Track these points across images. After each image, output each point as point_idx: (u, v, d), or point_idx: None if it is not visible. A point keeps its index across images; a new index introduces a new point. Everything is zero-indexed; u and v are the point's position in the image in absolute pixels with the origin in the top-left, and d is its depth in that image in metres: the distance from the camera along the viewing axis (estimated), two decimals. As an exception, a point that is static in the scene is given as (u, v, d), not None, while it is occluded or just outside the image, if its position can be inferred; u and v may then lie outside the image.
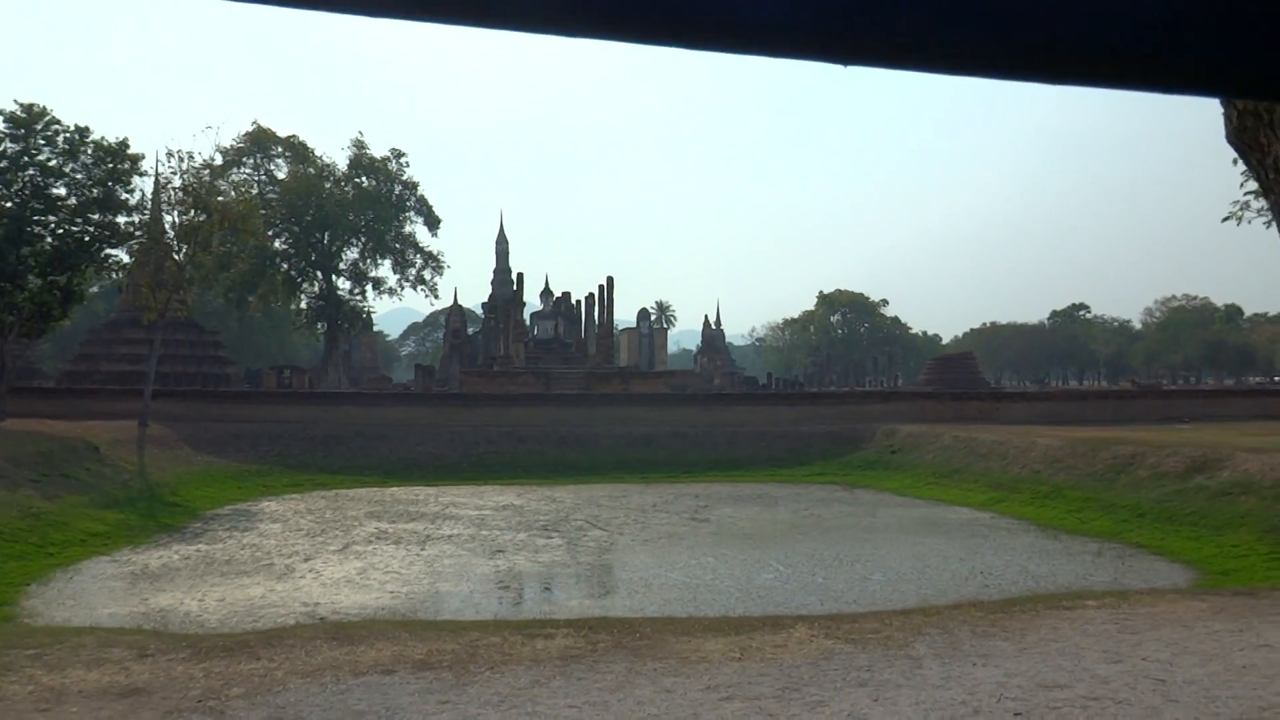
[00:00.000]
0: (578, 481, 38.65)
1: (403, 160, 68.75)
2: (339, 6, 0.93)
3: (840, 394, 56.63)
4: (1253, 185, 20.46)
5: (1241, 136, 3.66)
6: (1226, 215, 21.06)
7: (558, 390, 51.14)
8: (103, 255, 39.05)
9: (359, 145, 67.77)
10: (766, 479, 39.55)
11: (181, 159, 39.07)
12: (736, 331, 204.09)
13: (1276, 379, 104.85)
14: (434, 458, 41.89)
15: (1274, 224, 3.68)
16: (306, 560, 22.85)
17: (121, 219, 39.25)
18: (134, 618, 17.48)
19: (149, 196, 41.22)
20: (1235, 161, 21.26)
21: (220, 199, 43.86)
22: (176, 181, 39.10)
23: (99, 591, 19.70)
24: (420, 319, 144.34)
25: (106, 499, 28.67)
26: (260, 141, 66.64)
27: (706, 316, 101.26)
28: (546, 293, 69.14)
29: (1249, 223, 20.78)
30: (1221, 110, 3.74)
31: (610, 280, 62.06)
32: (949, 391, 53.98)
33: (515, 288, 62.70)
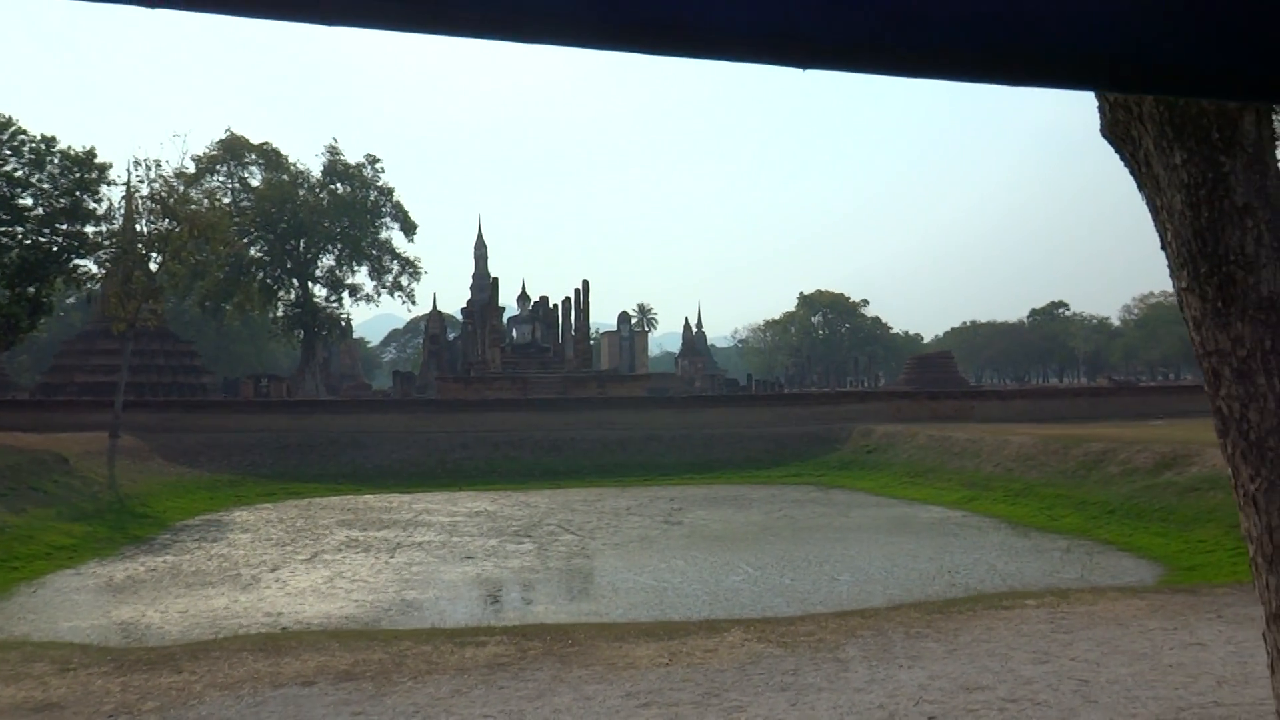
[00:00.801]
0: (553, 486, 38.54)
1: (378, 166, 68.64)
2: (344, 19, 0.93)
3: (816, 394, 56.71)
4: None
5: (1114, 130, 3.61)
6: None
7: (534, 395, 51.04)
8: (71, 266, 38.76)
9: (333, 152, 67.60)
10: (742, 481, 39.52)
11: (149, 167, 38.79)
12: (720, 334, 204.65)
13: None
14: (409, 465, 41.72)
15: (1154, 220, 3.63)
16: (273, 570, 22.68)
17: (90, 229, 39.02)
18: (95, 631, 17.31)
19: (118, 206, 40.95)
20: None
21: (191, 207, 43.61)
22: (145, 190, 38.85)
23: (61, 605, 19.50)
24: (401, 325, 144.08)
25: (75, 511, 28.43)
26: (233, 149, 66.36)
27: (687, 319, 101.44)
28: (523, 297, 69.05)
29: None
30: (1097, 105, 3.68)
31: (586, 284, 62.02)
32: (925, 391, 54.08)
33: (491, 293, 62.57)
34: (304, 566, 23.08)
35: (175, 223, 39.07)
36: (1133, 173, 3.59)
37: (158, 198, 39.04)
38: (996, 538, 25.45)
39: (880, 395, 54.05)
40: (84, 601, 19.96)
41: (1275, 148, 3.41)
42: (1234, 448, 3.46)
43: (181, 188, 41.15)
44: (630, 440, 44.72)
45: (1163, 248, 3.54)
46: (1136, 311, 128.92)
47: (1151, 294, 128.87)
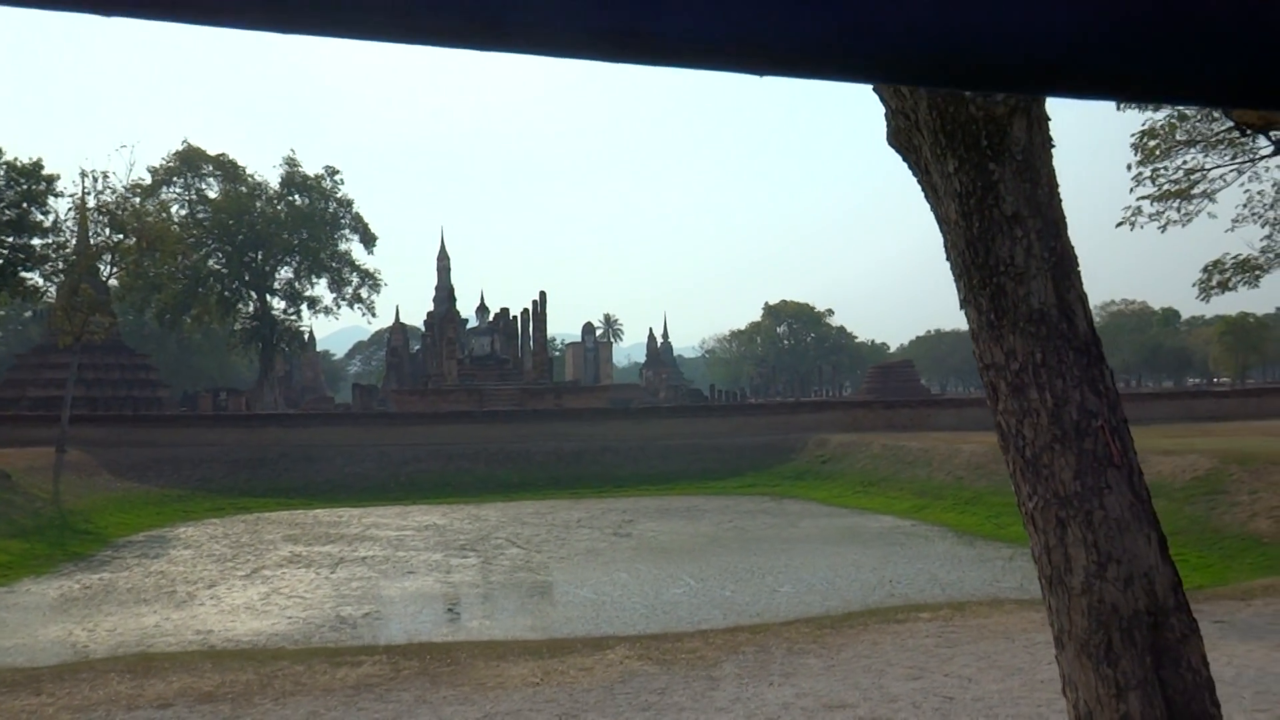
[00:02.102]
0: (506, 499, 38.31)
1: (337, 178, 68.09)
2: (324, 30, 0.93)
3: (774, 405, 56.70)
4: (1144, 190, 20.63)
5: (897, 139, 3.53)
6: (1119, 221, 21.17)
7: (490, 407, 50.75)
8: (18, 279, 38.21)
9: (291, 163, 67.06)
10: (697, 492, 39.42)
11: (97, 179, 38.30)
12: (688, 344, 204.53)
13: (1215, 380, 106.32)
14: (361, 478, 41.36)
15: (931, 220, 3.54)
16: (210, 587, 22.37)
17: (38, 241, 38.50)
18: (19, 650, 16.99)
19: (65, 218, 40.41)
20: (1129, 166, 21.49)
21: (148, 219, 43.16)
22: (92, 202, 38.34)
23: (-14, 625, 19.13)
24: (367, 338, 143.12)
25: (13, 528, 27.97)
26: (190, 161, 65.73)
27: (651, 330, 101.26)
28: (482, 309, 68.66)
29: (1141, 227, 20.93)
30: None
31: (543, 295, 61.75)
32: (880, 400, 54.17)
33: (449, 304, 62.17)
34: (242, 583, 22.78)
35: (123, 234, 38.56)
36: (917, 178, 3.51)
37: (105, 209, 38.55)
38: (942, 547, 25.46)
39: (837, 405, 54.10)
40: (12, 620, 19.59)
41: (1049, 155, 3.33)
42: (1013, 464, 3.37)
43: (130, 199, 40.57)
44: (586, 452, 44.54)
45: (947, 258, 3.46)
46: (1099, 318, 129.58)
47: (1113, 301, 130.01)
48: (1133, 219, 20.91)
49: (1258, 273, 21.92)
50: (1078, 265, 3.33)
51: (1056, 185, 3.33)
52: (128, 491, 37.03)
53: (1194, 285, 23.15)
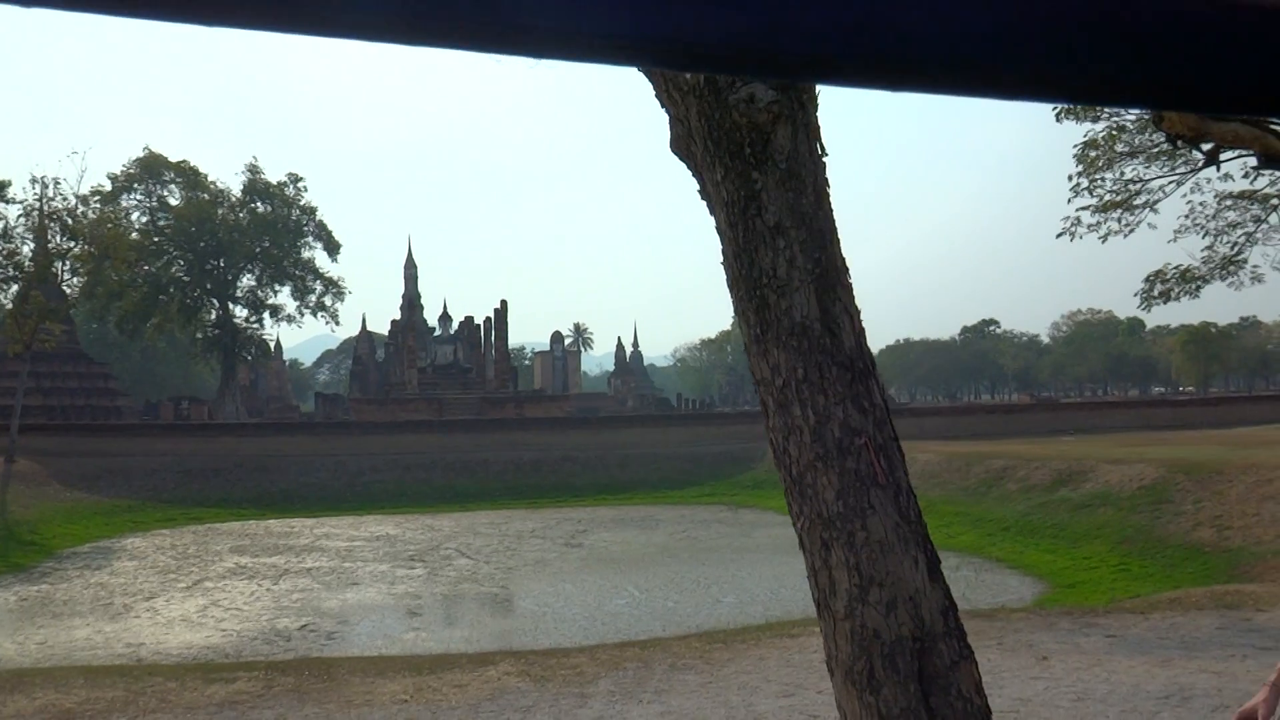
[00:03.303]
0: (463, 509, 38.05)
1: (300, 185, 67.66)
2: (313, 30, 0.81)
3: (734, 414, 56.63)
4: (1082, 201, 20.69)
5: (677, 146, 3.42)
6: (1059, 231, 21.24)
7: (451, 416, 50.46)
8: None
9: (253, 170, 66.60)
10: (654, 501, 39.28)
11: (48, 185, 37.83)
12: (661, 353, 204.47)
13: (1180, 389, 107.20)
14: (316, 488, 41.01)
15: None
16: (149, 599, 22.08)
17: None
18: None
19: (15, 224, 39.88)
20: (1070, 177, 21.54)
21: (107, 226, 42.71)
22: (43, 208, 37.86)
23: (-87, 639, 18.78)
24: (336, 347, 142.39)
25: (-46, 540, 27.57)
26: (151, 168, 65.13)
27: (620, 339, 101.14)
28: (445, 317, 68.38)
29: (1081, 238, 20.98)
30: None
31: (504, 304, 61.60)
32: (841, 409, 54.08)
33: (414, 313, 61.86)
34: (181, 595, 22.50)
35: (75, 241, 38.14)
36: (699, 190, 3.40)
37: (56, 215, 38.10)
38: (891, 556, 25.41)
39: (797, 414, 53.97)
40: (-59, 634, 19.25)
41: (819, 164, 3.22)
42: (784, 483, 3.26)
43: (79, 206, 40.09)
44: (545, 461, 44.35)
45: (724, 267, 3.35)
46: (1065, 328, 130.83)
47: (1079, 311, 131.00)
48: (1072, 229, 20.98)
49: (1198, 283, 22.04)
50: (847, 277, 3.22)
51: (826, 195, 3.22)
52: (77, 502, 36.57)
53: (1135, 295, 23.24)
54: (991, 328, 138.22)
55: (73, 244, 38.61)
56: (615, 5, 0.91)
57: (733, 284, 3.23)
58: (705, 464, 44.01)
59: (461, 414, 51.72)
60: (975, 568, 23.29)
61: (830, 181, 3.27)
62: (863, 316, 3.27)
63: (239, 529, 34.13)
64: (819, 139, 3.22)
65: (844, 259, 3.22)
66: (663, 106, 3.39)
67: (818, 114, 3.23)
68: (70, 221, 38.28)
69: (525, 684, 7.61)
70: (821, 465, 3.06)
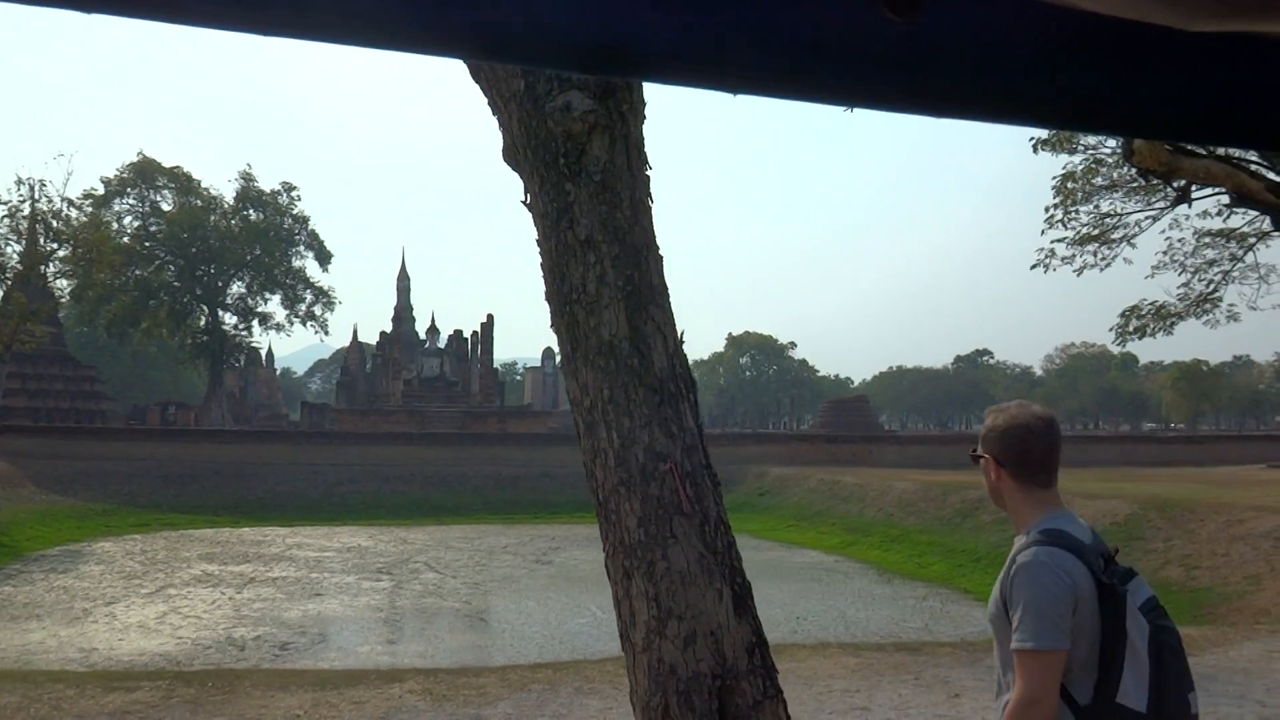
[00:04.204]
0: (438, 522, 37.84)
1: (294, 194, 67.74)
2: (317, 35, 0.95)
3: (716, 435, 56.40)
4: (1056, 234, 20.63)
5: (506, 156, 3.33)
6: (1034, 263, 21.16)
7: (432, 429, 50.28)
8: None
9: (247, 178, 66.66)
10: (632, 521, 39.05)
11: (33, 187, 37.71)
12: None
13: (1171, 426, 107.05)
14: (293, 497, 40.77)
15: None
16: (109, 604, 21.87)
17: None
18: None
19: None
20: (1047, 209, 21.47)
21: (94, 230, 42.61)
22: (27, 210, 37.77)
23: None
24: (328, 356, 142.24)
25: (-79, 539, 27.37)
26: (144, 172, 65.10)
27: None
28: (433, 330, 68.26)
29: (1055, 270, 20.91)
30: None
31: (490, 318, 61.48)
32: (823, 434, 54.07)
33: (406, 325, 61.71)
34: (143, 601, 22.29)
35: (59, 244, 38.03)
36: (526, 201, 3.30)
37: (41, 218, 37.97)
38: (860, 584, 25.27)
39: (779, 437, 54.00)
40: (-108, 634, 19.04)
41: (638, 177, 3.11)
42: (596, 509, 3.15)
43: (65, 209, 39.93)
44: (524, 477, 44.14)
45: (544, 280, 3.24)
46: (1059, 361, 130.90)
47: (1073, 344, 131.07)
48: (1046, 260, 20.92)
49: (1173, 320, 21.96)
50: (664, 295, 3.10)
51: (645, 210, 3.11)
52: (51, 504, 36.33)
53: (1110, 330, 23.17)
54: (985, 358, 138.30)
55: (56, 246, 38.47)
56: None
57: (548, 299, 3.12)
58: (686, 485, 43.82)
59: (444, 427, 51.54)
60: (942, 599, 23.14)
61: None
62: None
63: (211, 536, 33.89)
64: (641, 152, 3.11)
65: (662, 277, 3.11)
66: (494, 115, 3.29)
67: (641, 126, 3.12)
68: (55, 224, 38.14)
69: (424, 703, 7.45)
70: (625, 491, 2.95)
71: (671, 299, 2.97)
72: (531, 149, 3.02)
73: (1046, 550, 2.55)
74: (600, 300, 2.94)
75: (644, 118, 3.08)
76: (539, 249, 3.11)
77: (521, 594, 23.65)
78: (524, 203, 3.21)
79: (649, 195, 3.10)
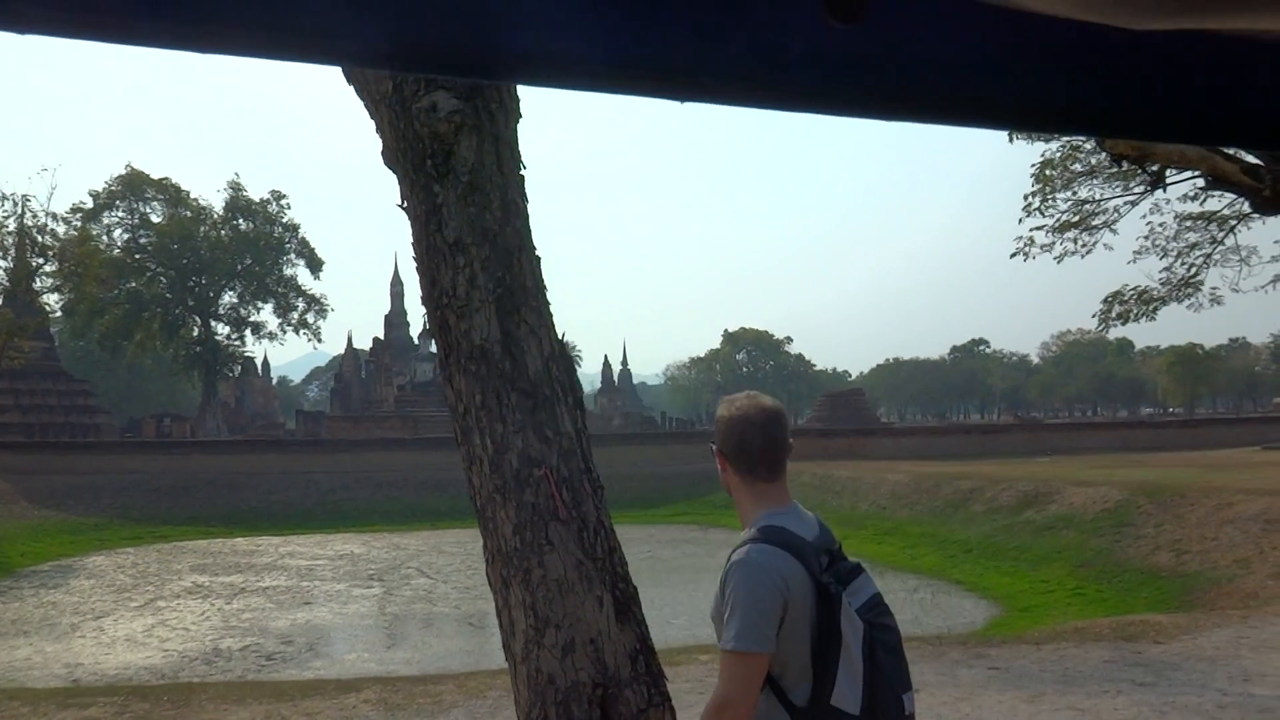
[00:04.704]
0: (432, 527, 37.76)
1: (283, 202, 67.68)
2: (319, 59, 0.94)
3: (708, 433, 56.31)
4: (1035, 221, 20.54)
5: (385, 158, 3.26)
6: (1014, 251, 21.08)
7: (426, 434, 50.18)
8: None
9: (235, 187, 66.58)
10: (626, 520, 38.77)
11: (17, 202, 37.61)
12: (653, 371, 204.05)
13: (1168, 411, 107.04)
14: (285, 506, 40.71)
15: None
16: (98, 619, 21.84)
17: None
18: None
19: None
20: (1026, 197, 21.39)
21: (88, 244, 42.62)
22: (12, 225, 37.68)
23: None
24: (325, 364, 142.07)
25: (-88, 558, 27.32)
26: (133, 185, 64.98)
27: (606, 357, 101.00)
28: (425, 334, 68.06)
29: (1034, 258, 20.83)
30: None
31: (484, 321, 61.19)
32: (817, 428, 54.01)
33: (390, 331, 61.61)
34: (131, 615, 22.25)
35: (44, 259, 37.98)
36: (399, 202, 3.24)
37: (26, 232, 37.89)
38: (851, 578, 25.19)
39: (773, 433, 53.71)
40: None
41: (510, 177, 3.05)
42: (477, 517, 3.09)
43: (49, 223, 39.83)
44: (519, 480, 44.06)
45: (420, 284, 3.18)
46: (1055, 349, 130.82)
47: (1069, 331, 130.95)
48: (1026, 249, 20.84)
49: (1156, 305, 21.87)
50: (540, 298, 3.04)
51: (517, 210, 3.05)
52: (44, 519, 36.29)
53: (1093, 316, 23.09)
54: (981, 347, 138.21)
55: (42, 261, 38.41)
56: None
57: (424, 303, 3.06)
58: (680, 483, 43.76)
59: (437, 432, 51.42)
60: (933, 590, 23.09)
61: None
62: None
63: (204, 547, 33.84)
64: (513, 151, 3.05)
65: (538, 279, 3.04)
66: (371, 118, 3.23)
67: (514, 126, 3.06)
68: (40, 239, 38.06)
69: (377, 712, 7.39)
70: (500, 498, 2.89)
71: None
72: (402, 151, 2.97)
73: (759, 548, 2.48)
74: (471, 304, 2.88)
75: (519, 116, 3.03)
76: (413, 252, 3.06)
77: (512, 597, 23.59)
78: (400, 205, 3.15)
79: (523, 196, 3.03)
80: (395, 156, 3.02)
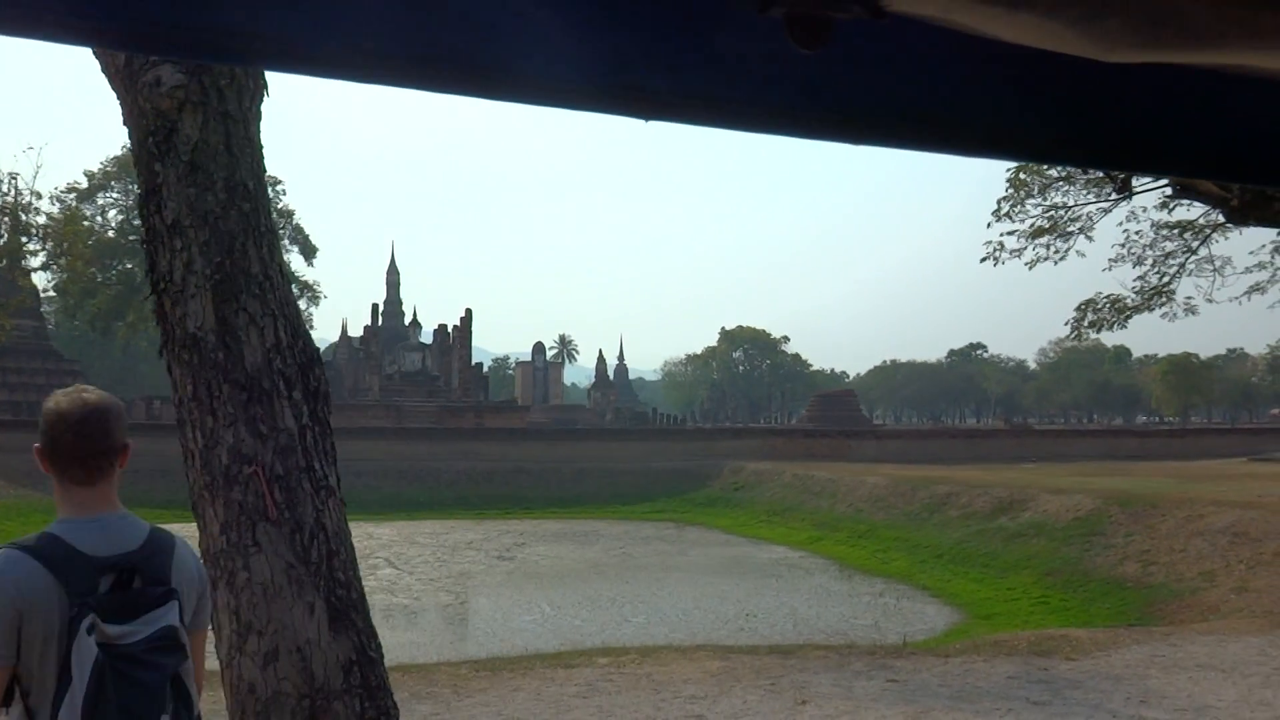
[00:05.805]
0: (408, 517, 37.64)
1: (278, 188, 67.39)
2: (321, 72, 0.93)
3: (693, 430, 56.33)
4: (1005, 226, 20.40)
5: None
6: (984, 256, 20.93)
7: (409, 424, 50.06)
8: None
9: (230, 171, 66.41)
10: (603, 516, 38.85)
11: (3, 180, 37.40)
12: (650, 367, 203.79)
13: (1162, 419, 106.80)
14: (264, 492, 40.58)
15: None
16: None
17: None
18: None
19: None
20: (998, 202, 21.22)
21: (75, 224, 42.43)
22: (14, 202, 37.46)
23: None
24: (322, 350, 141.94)
25: (-124, 534, 27.16)
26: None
27: (600, 352, 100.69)
28: (415, 324, 67.99)
29: (1004, 263, 20.68)
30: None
31: (469, 313, 61.23)
32: (800, 429, 53.86)
33: (379, 319, 61.48)
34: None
35: (27, 238, 37.82)
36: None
37: (10, 210, 37.70)
38: (819, 581, 25.08)
39: (758, 432, 53.78)
40: None
41: (241, 158, 2.89)
42: (192, 513, 2.94)
43: (33, 202, 39.60)
44: (499, 472, 43.95)
45: (148, 270, 3.03)
46: (1052, 354, 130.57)
47: (1066, 337, 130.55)
48: (995, 254, 20.69)
49: (1129, 314, 21.70)
50: (266, 286, 2.89)
51: (245, 194, 2.90)
52: (21, 498, 36.13)
53: (1066, 324, 22.92)
54: (979, 351, 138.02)
55: (26, 240, 38.23)
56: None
57: (149, 288, 2.91)
58: (661, 480, 43.60)
59: (421, 422, 51.31)
60: (898, 595, 22.94)
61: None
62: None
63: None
64: (246, 131, 2.89)
65: (267, 265, 2.89)
66: (114, 91, 3.07)
67: (251, 104, 2.90)
68: (24, 218, 37.87)
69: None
70: (209, 495, 2.75)
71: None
72: (129, 127, 2.82)
73: (5, 554, 2.37)
74: (186, 289, 2.74)
75: (262, 95, 2.88)
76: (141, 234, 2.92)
77: (475, 591, 23.51)
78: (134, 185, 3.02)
79: (254, 178, 2.88)
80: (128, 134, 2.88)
